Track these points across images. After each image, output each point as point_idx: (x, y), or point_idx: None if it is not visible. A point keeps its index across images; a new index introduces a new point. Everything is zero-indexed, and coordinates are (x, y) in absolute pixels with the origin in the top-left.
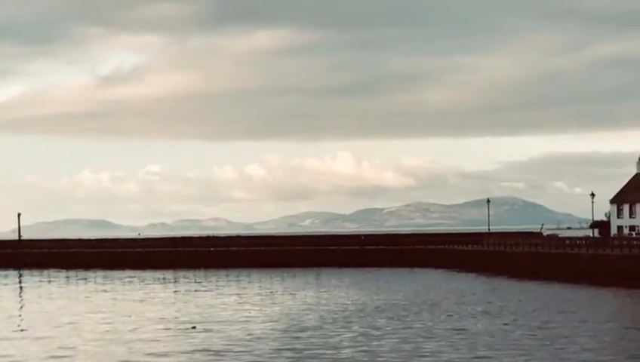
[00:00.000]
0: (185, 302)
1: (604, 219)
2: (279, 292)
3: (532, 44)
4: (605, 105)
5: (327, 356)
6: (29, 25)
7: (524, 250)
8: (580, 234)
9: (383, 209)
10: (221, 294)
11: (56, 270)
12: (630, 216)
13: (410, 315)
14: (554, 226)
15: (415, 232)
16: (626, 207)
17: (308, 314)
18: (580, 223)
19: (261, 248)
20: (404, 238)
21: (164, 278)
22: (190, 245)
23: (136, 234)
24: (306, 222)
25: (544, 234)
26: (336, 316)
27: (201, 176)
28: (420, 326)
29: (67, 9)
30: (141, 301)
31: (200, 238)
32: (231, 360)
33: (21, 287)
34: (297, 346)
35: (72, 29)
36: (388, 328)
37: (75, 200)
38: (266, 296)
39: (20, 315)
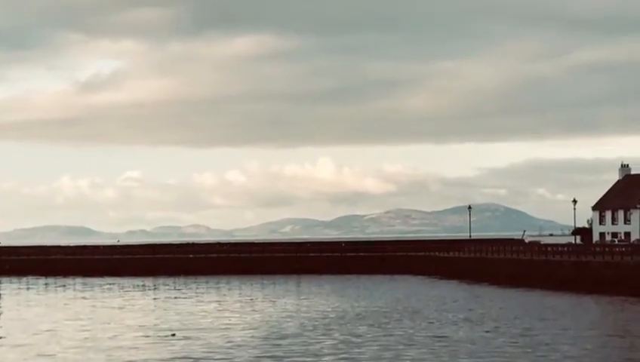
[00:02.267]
0: (164, 310)
1: (587, 225)
2: (259, 300)
3: (513, 50)
4: (587, 111)
5: None
6: (8, 30)
7: (506, 256)
8: (562, 240)
9: (363, 215)
10: (201, 301)
11: (34, 277)
12: (612, 223)
13: (391, 322)
14: (536, 233)
15: (396, 239)
16: (608, 214)
17: (288, 322)
18: (562, 230)
19: (241, 255)
20: (384, 245)
21: (143, 285)
22: (170, 252)
23: (116, 240)
24: (287, 229)
25: (526, 240)
26: (317, 323)
27: (181, 182)
28: (400, 333)
29: (46, 15)
30: (120, 308)
31: (180, 245)
32: None
33: None
34: (278, 353)
35: (50, 34)
36: (369, 335)
37: (53, 206)
38: (246, 303)
39: None
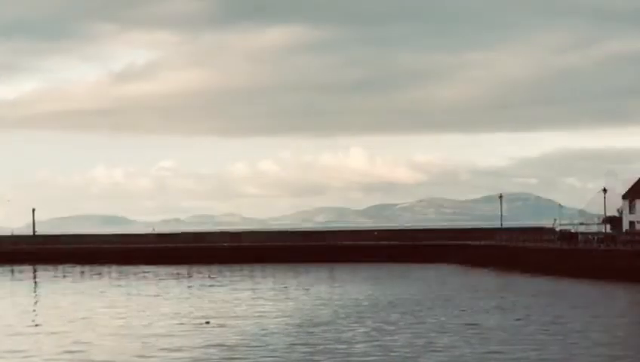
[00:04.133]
0: (199, 298)
1: (617, 214)
2: (293, 288)
3: (543, 41)
4: (617, 101)
5: (340, 351)
6: (43, 21)
7: (537, 245)
8: (593, 229)
9: (396, 204)
10: (235, 289)
11: (70, 265)
12: None
13: (424, 310)
14: (566, 222)
15: (428, 228)
16: (638, 203)
17: (322, 309)
18: (592, 219)
19: (275, 243)
20: (417, 234)
21: (178, 274)
22: (204, 241)
23: (151, 229)
24: (320, 218)
25: (557, 229)
26: (350, 311)
27: (215, 172)
28: (433, 321)
29: (80, 5)
30: (155, 296)
31: (214, 234)
32: (245, 355)
33: (36, 283)
34: (311, 341)
35: (85, 25)
36: (401, 323)
37: (88, 196)
38: (279, 291)
39: (34, 310)
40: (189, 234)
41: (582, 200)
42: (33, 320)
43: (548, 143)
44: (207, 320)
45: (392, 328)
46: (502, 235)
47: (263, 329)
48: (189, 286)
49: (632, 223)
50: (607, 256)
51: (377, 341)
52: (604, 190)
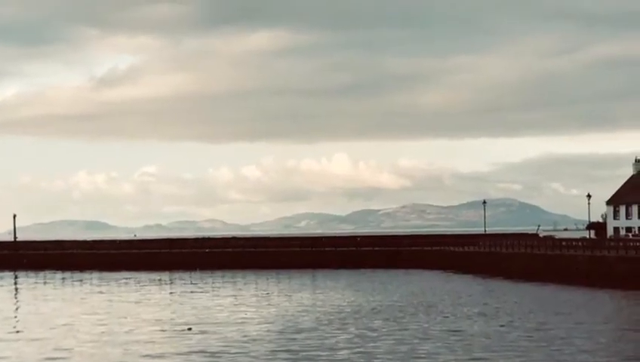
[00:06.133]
0: (181, 304)
1: (601, 220)
2: (275, 294)
3: (528, 45)
4: (602, 106)
5: (323, 357)
6: (25, 26)
7: (521, 251)
8: (577, 235)
9: (379, 210)
10: (217, 295)
11: (51, 271)
12: (626, 218)
13: (406, 317)
14: (550, 227)
15: (411, 234)
16: (622, 209)
17: (304, 316)
18: (576, 224)
19: (257, 249)
20: (400, 240)
21: (160, 280)
22: (186, 246)
23: (132, 235)
24: (302, 224)
25: (540, 235)
26: (332, 317)
27: (197, 177)
28: (416, 327)
29: (63, 10)
30: (137, 302)
31: (196, 240)
32: None
33: (17, 289)
34: (293, 347)
35: (67, 30)
36: (384, 329)
37: (70, 201)
38: (262, 297)
39: (15, 317)
40: (171, 240)
41: (566, 205)
42: (14, 327)
43: (532, 148)
44: (189, 326)
45: (375, 334)
46: (485, 241)
47: (245, 336)
48: (171, 293)
49: (616, 229)
50: (592, 261)
51: (360, 347)
52: (588, 196)
